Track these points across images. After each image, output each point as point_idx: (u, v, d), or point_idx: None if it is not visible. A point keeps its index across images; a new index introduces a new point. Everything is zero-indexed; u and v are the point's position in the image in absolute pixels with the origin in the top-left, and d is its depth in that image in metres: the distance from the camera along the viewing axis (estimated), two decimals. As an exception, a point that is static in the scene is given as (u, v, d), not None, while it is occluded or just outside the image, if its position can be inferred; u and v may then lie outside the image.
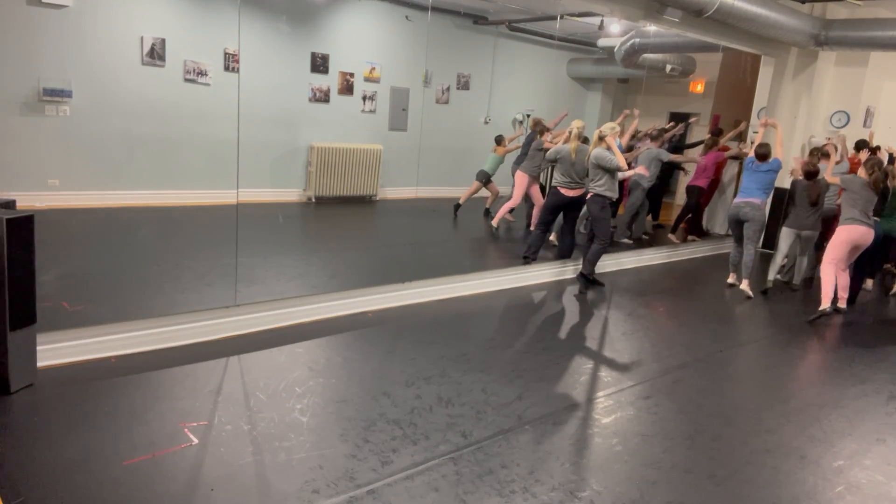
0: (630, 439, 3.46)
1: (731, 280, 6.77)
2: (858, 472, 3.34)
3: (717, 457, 3.36)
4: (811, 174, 6.42)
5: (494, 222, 7.93)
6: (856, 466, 3.40)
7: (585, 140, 6.33)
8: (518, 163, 7.85)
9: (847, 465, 3.41)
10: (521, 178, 7.58)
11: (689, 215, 8.66)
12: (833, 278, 5.83)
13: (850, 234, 5.72)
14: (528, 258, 6.52)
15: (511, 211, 8.13)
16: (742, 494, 3.04)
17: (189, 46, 7.48)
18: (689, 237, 8.75)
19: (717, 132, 8.74)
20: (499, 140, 8.61)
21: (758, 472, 3.25)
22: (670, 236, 8.61)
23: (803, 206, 6.45)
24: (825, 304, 5.74)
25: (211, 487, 2.73)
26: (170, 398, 3.43)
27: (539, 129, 7.53)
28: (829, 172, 6.59)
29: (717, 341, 5.17)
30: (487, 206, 8.83)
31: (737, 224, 6.57)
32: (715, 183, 8.83)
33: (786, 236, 6.62)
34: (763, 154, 6.54)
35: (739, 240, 6.62)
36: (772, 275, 6.72)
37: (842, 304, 5.96)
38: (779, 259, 6.77)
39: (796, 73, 8.51)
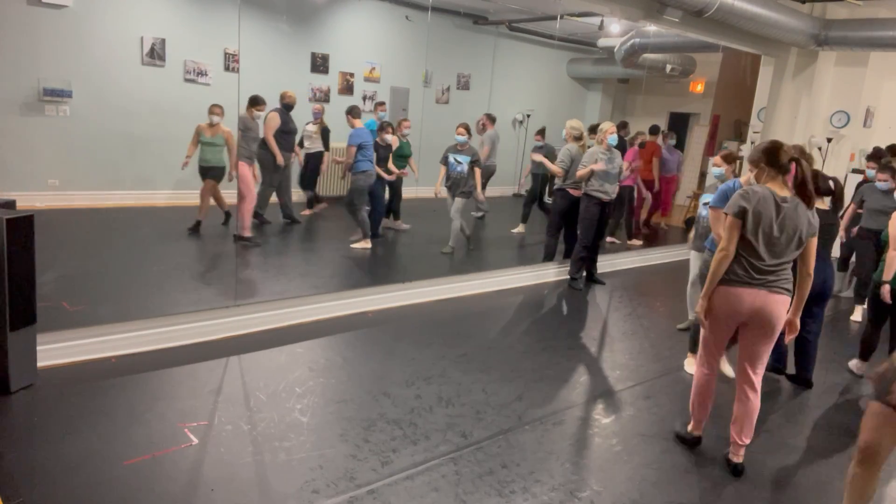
0: (630, 439, 3.46)
1: None
2: (858, 472, 3.34)
3: (717, 457, 3.35)
4: (728, 158, 4.65)
5: (247, 232, 6.36)
6: (856, 466, 3.40)
7: (579, 138, 6.29)
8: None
9: (847, 465, 3.40)
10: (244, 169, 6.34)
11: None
12: (703, 391, 3.31)
13: (722, 305, 3.04)
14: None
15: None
16: (742, 495, 3.04)
17: (189, 46, 7.48)
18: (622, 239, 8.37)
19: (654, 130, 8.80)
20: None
21: (758, 473, 3.24)
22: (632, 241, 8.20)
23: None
24: (691, 427, 3.42)
25: (211, 487, 2.73)
26: (170, 398, 3.43)
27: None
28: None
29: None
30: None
31: None
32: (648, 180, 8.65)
33: (693, 259, 4.92)
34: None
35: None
36: (691, 314, 5.05)
37: (735, 456, 3.21)
38: (690, 291, 5.10)
39: (796, 73, 8.51)
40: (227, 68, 7.80)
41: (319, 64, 8.79)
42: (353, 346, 4.44)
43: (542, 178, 8.11)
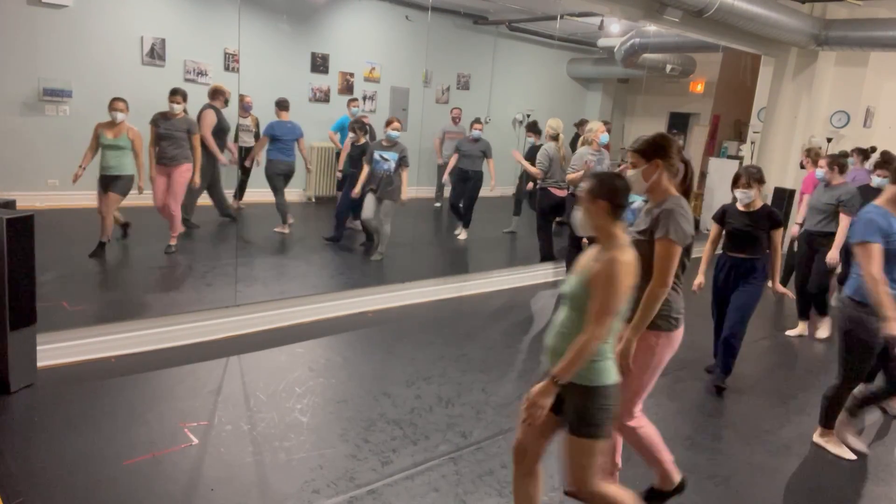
0: (630, 439, 3.46)
1: None
2: (858, 473, 3.34)
3: (717, 457, 3.36)
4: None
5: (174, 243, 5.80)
6: (855, 468, 3.40)
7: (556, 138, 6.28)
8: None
9: (847, 465, 3.40)
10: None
11: None
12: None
13: (670, 352, 2.63)
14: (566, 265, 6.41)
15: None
16: (742, 494, 3.04)
17: (189, 46, 7.48)
18: None
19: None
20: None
21: (757, 473, 3.25)
22: None
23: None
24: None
25: (211, 487, 2.73)
26: (170, 398, 3.43)
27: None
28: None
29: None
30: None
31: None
32: None
33: None
34: None
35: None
36: None
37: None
38: None
39: (796, 73, 8.51)
40: (227, 68, 7.79)
41: (319, 64, 8.79)
42: (353, 346, 4.44)
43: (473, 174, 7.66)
